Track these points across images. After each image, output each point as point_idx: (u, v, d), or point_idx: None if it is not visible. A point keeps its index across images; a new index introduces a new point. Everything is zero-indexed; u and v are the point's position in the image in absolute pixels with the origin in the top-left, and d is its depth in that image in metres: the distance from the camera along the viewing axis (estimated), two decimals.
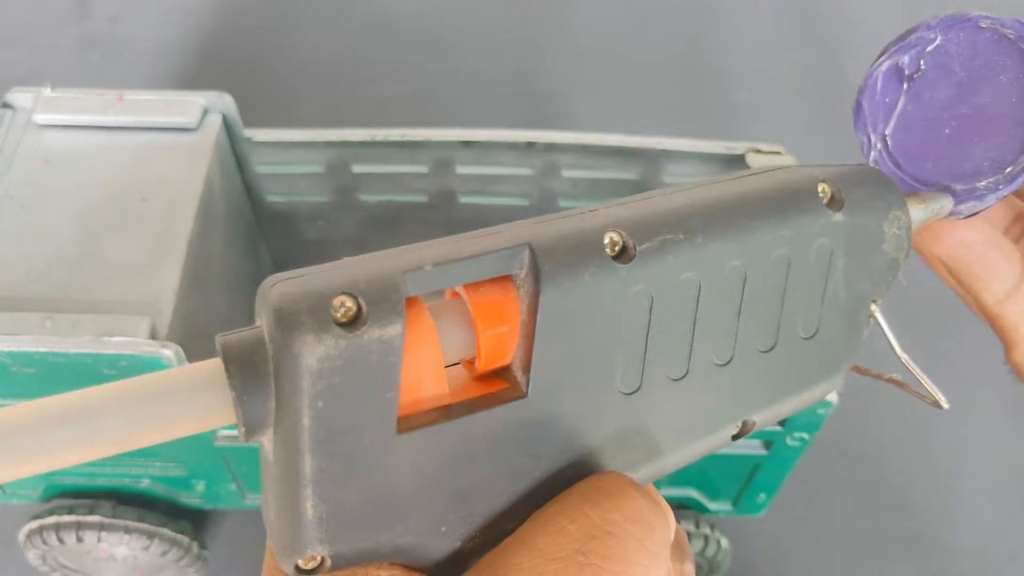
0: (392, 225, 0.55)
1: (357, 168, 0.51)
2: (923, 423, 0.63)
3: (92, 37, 0.83)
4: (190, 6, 0.86)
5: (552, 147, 0.49)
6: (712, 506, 0.51)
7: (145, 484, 0.49)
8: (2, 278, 0.41)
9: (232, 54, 0.82)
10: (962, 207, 0.24)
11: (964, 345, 0.63)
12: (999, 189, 0.23)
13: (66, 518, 0.48)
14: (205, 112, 0.47)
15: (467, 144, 0.49)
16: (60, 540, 0.48)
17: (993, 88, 0.24)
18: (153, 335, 0.39)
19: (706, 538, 0.48)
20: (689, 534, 0.48)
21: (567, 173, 0.51)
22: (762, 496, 0.50)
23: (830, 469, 0.61)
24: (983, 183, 0.23)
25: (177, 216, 0.43)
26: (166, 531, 0.49)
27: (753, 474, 0.47)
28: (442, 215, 0.54)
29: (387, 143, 0.49)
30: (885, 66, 0.25)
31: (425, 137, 0.49)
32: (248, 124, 0.49)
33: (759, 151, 0.49)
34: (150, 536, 0.48)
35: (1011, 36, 0.23)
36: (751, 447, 0.45)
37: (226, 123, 0.48)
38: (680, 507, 0.51)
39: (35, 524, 0.48)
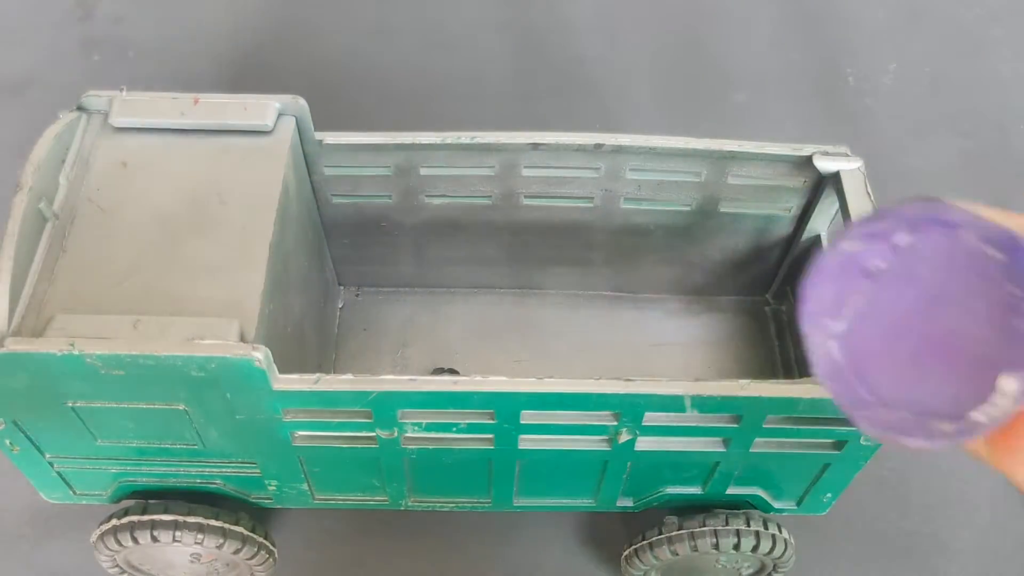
0: (454, 227, 0.56)
1: (425, 171, 0.51)
2: None
3: (93, 37, 0.83)
4: (191, 6, 0.86)
5: (619, 149, 0.50)
6: (776, 505, 0.51)
7: (217, 484, 0.49)
8: (87, 281, 0.42)
9: (233, 54, 0.82)
10: (910, 441, 0.20)
11: None
12: (957, 437, 0.19)
13: (142, 517, 0.48)
14: (279, 115, 0.47)
15: (536, 146, 0.50)
16: (135, 540, 0.48)
17: (965, 314, 0.19)
18: (242, 338, 0.40)
19: (773, 538, 0.48)
20: (756, 533, 0.48)
21: (631, 175, 0.52)
22: (828, 495, 0.50)
23: None
24: (943, 425, 0.19)
25: (257, 218, 0.44)
26: (239, 529, 0.49)
27: (822, 473, 0.48)
28: (504, 216, 0.55)
29: (456, 146, 0.50)
30: (845, 252, 0.21)
31: (495, 140, 0.49)
32: None
33: (827, 153, 0.49)
34: (224, 534, 0.49)
35: (995, 257, 0.19)
36: (825, 446, 0.46)
37: (298, 125, 0.48)
38: (744, 506, 0.51)
39: (108, 525, 0.49)
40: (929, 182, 0.75)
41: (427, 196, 0.53)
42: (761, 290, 0.60)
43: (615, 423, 0.43)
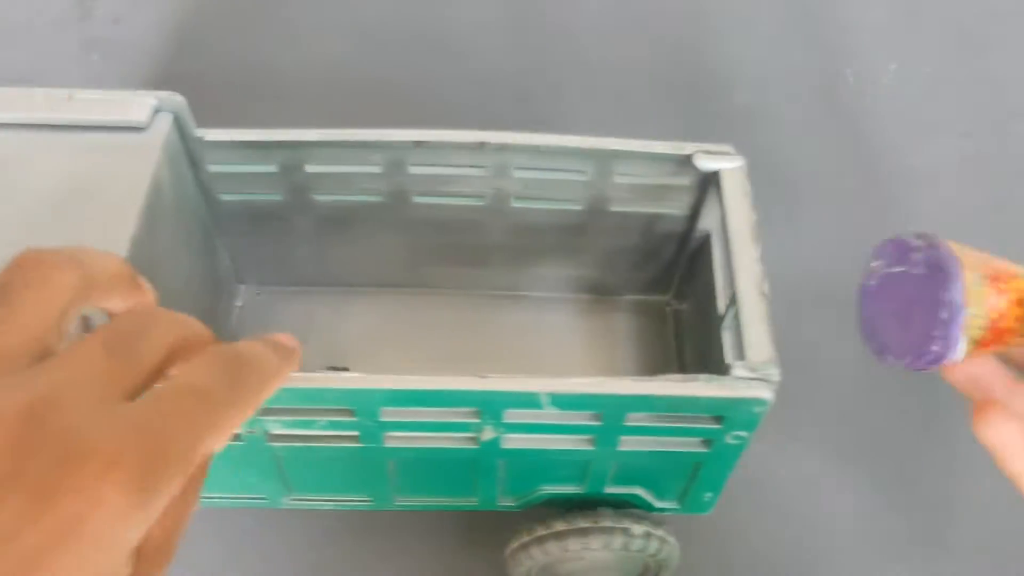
0: (348, 224, 0.56)
1: (310, 168, 0.52)
2: (923, 422, 0.63)
3: (93, 37, 0.83)
4: (192, 7, 0.86)
5: (503, 147, 0.50)
6: (658, 504, 0.51)
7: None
8: None
9: (234, 54, 0.82)
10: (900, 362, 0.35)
11: None
12: (917, 362, 0.34)
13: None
14: (156, 111, 0.47)
15: (419, 144, 0.50)
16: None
17: (921, 305, 0.34)
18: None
19: (647, 535, 0.48)
20: (624, 531, 0.48)
21: (519, 174, 0.52)
22: (708, 495, 0.50)
23: (830, 468, 0.61)
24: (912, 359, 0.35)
25: (122, 214, 0.44)
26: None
27: (696, 472, 0.48)
28: (397, 215, 0.55)
29: (338, 143, 0.50)
30: (875, 272, 0.37)
31: (377, 137, 0.50)
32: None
33: (708, 152, 0.49)
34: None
35: (934, 276, 0.33)
36: (694, 444, 0.46)
37: (177, 123, 0.48)
38: (627, 505, 0.51)
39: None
40: (929, 182, 0.76)
41: (317, 194, 0.53)
42: (662, 289, 0.60)
43: (477, 420, 0.43)
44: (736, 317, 0.43)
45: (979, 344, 0.34)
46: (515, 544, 0.50)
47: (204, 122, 0.50)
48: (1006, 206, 0.75)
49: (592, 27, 0.86)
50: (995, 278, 0.33)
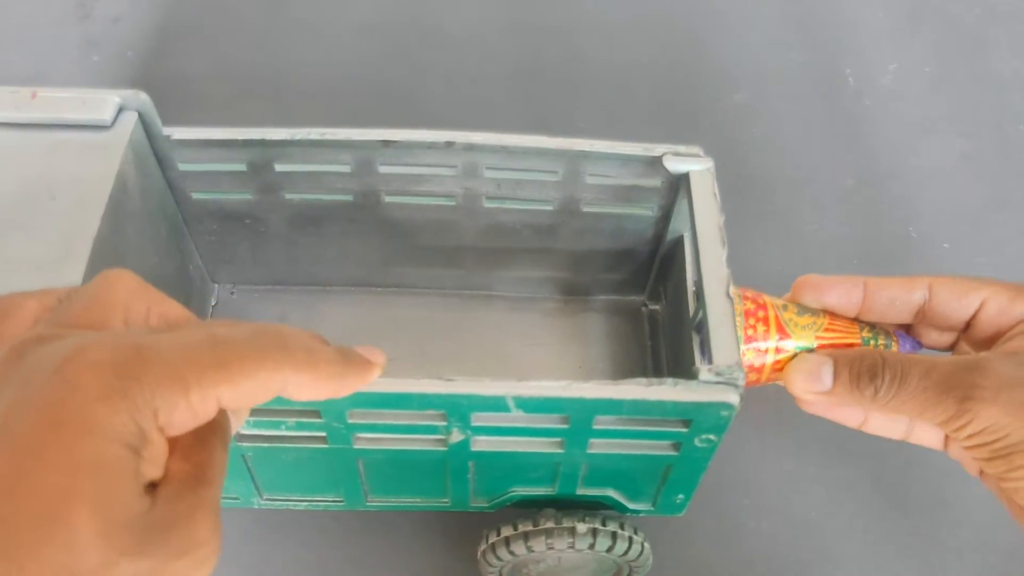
0: (320, 224, 0.56)
1: (280, 167, 0.51)
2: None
3: (93, 38, 0.83)
4: (192, 7, 0.85)
5: (471, 147, 0.49)
6: (632, 506, 0.51)
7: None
8: None
9: (234, 54, 0.82)
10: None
11: None
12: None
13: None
14: (120, 109, 0.47)
15: (387, 143, 0.50)
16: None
17: None
18: None
19: (614, 536, 0.48)
20: (593, 531, 0.48)
21: (489, 174, 0.51)
22: (680, 497, 0.50)
23: (830, 468, 0.61)
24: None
25: (85, 213, 0.43)
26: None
27: (667, 474, 0.48)
28: (368, 214, 0.54)
29: (306, 142, 0.49)
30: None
31: (345, 136, 0.49)
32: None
33: (678, 153, 0.49)
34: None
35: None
36: (663, 448, 0.45)
37: (143, 121, 0.48)
38: (599, 507, 0.51)
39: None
40: (929, 182, 0.76)
41: (287, 193, 0.53)
42: (637, 290, 0.60)
43: (444, 423, 0.43)
44: (704, 320, 0.43)
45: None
46: (484, 545, 0.50)
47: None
48: (1006, 206, 0.75)
49: (592, 27, 0.86)
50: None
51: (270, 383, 0.28)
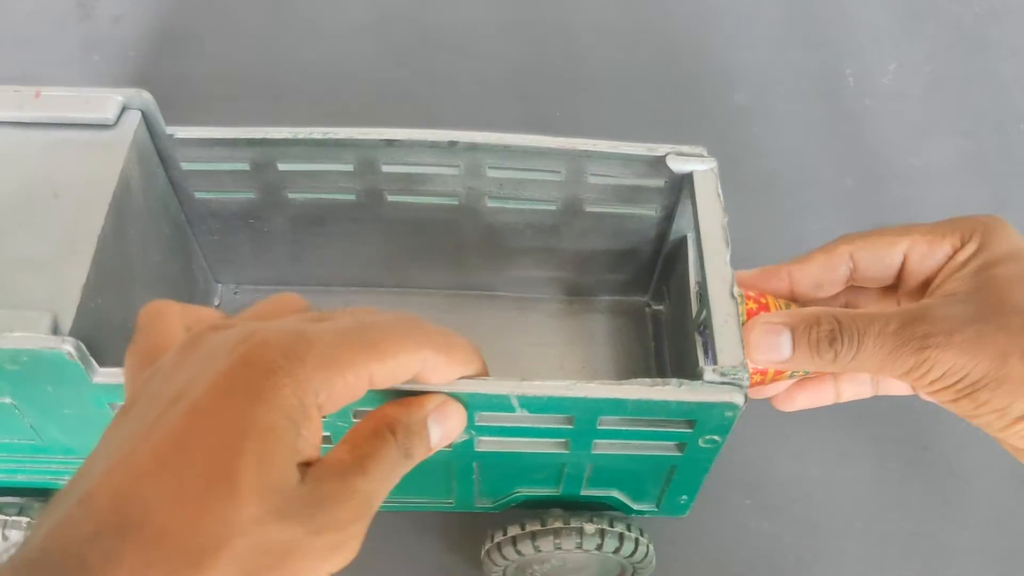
0: (323, 223, 0.55)
1: (283, 166, 0.51)
2: (922, 422, 0.63)
3: (93, 37, 0.83)
4: (193, 7, 0.85)
5: (474, 147, 0.49)
6: (636, 507, 0.51)
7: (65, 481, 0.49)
8: None
9: (235, 54, 0.82)
10: None
11: None
12: None
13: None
14: (124, 108, 0.47)
15: (389, 143, 0.49)
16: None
17: None
18: (55, 330, 0.39)
19: (620, 537, 0.48)
20: (601, 532, 0.48)
21: (492, 173, 0.51)
22: (683, 498, 0.50)
23: (831, 469, 0.61)
24: None
25: (89, 212, 0.43)
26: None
27: (671, 475, 0.48)
28: (372, 214, 0.54)
29: (309, 141, 0.49)
30: None
31: (347, 135, 0.49)
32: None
33: (681, 153, 0.49)
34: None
35: None
36: (667, 448, 0.45)
37: (146, 120, 0.48)
38: (604, 508, 0.51)
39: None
40: (929, 182, 0.76)
41: (290, 192, 0.53)
42: (641, 291, 0.60)
43: None
44: (708, 320, 0.43)
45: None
46: (489, 544, 0.50)
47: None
48: (1006, 206, 0.75)
49: (592, 27, 0.86)
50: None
51: (412, 362, 0.32)
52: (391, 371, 0.31)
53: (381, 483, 0.31)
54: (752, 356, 0.41)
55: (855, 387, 0.47)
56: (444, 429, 0.37)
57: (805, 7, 0.88)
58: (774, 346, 0.40)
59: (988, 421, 0.38)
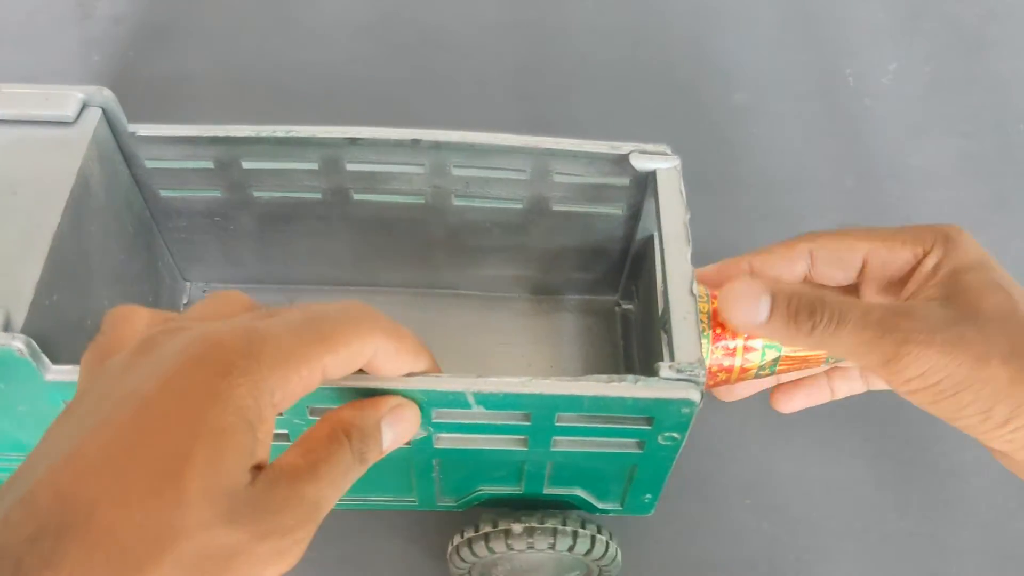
0: (290, 222, 0.55)
1: (247, 164, 0.51)
2: (921, 422, 0.63)
3: (93, 37, 0.83)
4: (193, 7, 0.85)
5: (437, 145, 0.49)
6: (600, 506, 0.51)
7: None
8: None
9: (235, 54, 0.82)
10: None
11: None
12: None
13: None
14: (84, 106, 0.47)
15: (353, 141, 0.49)
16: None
17: None
18: (7, 327, 0.39)
19: (576, 535, 0.48)
20: (554, 531, 0.48)
21: (457, 171, 0.51)
22: (648, 496, 0.50)
23: (830, 469, 0.61)
24: None
25: (45, 209, 0.43)
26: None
27: (633, 473, 0.47)
28: (338, 212, 0.54)
29: (271, 139, 0.49)
30: None
31: (310, 134, 0.49)
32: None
33: (644, 151, 0.49)
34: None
35: None
36: (627, 446, 0.45)
37: (108, 117, 0.48)
38: (568, 507, 0.51)
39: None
40: (929, 182, 0.76)
41: (256, 191, 0.53)
42: (611, 289, 0.60)
43: None
44: (667, 316, 0.42)
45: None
46: (451, 546, 0.50)
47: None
48: (1006, 206, 0.75)
49: (592, 27, 0.86)
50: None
51: (364, 348, 0.32)
52: (344, 361, 0.31)
53: (332, 489, 0.31)
54: (728, 314, 0.40)
55: (847, 383, 0.47)
56: (396, 432, 0.37)
57: (805, 7, 0.88)
58: (752, 308, 0.39)
59: (971, 424, 0.38)
